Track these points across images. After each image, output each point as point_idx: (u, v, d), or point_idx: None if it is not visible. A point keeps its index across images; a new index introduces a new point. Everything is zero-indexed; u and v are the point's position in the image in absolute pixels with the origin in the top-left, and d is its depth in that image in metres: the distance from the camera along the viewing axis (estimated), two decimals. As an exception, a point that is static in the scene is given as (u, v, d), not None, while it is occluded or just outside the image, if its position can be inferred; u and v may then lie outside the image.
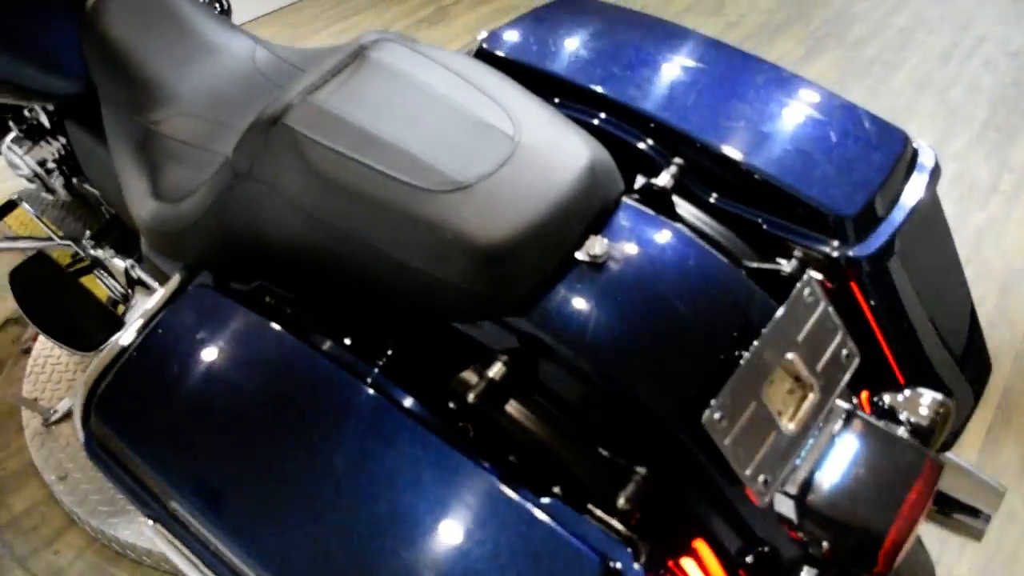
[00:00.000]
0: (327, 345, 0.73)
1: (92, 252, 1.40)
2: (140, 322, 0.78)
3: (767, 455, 0.64)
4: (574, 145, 0.74)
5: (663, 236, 0.72)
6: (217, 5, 1.36)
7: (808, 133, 0.82)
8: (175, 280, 0.82)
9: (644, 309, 0.68)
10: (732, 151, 0.81)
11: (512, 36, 0.97)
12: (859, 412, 0.71)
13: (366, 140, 0.72)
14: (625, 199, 0.76)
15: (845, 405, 0.71)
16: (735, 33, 2.70)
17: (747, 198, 0.81)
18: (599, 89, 0.88)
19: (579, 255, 0.69)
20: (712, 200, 0.83)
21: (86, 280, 1.47)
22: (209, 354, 0.73)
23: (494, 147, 0.72)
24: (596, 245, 0.69)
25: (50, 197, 1.40)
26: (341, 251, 0.73)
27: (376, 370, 0.71)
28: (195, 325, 0.76)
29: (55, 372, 1.71)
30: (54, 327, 1.40)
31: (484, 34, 0.97)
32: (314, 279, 0.78)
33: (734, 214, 0.81)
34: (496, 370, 0.69)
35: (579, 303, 0.68)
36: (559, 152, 0.73)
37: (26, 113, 1.29)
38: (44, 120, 1.28)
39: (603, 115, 0.88)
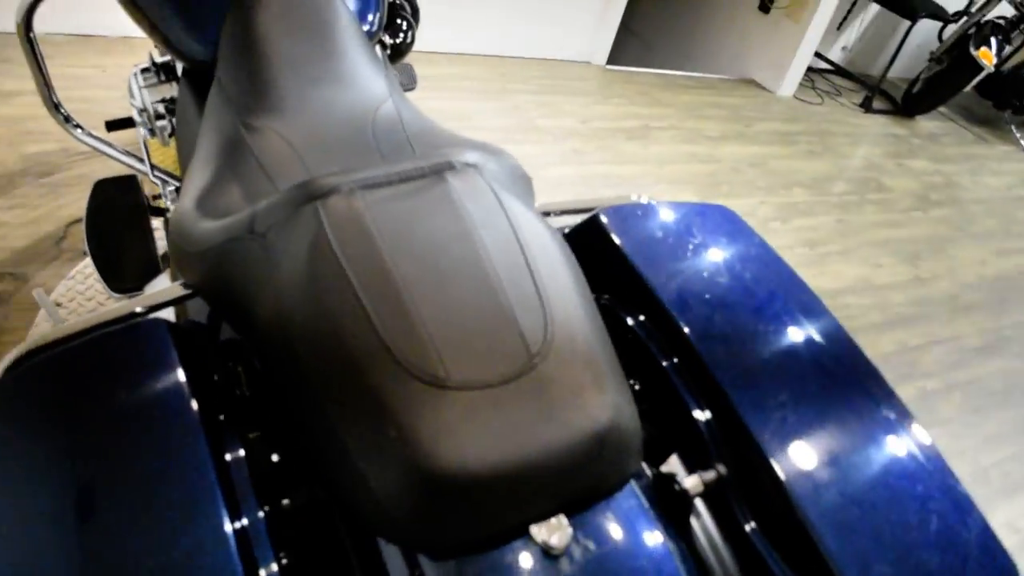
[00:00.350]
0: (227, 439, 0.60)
1: (168, 203, 1.35)
2: (83, 325, 0.69)
3: None
4: (598, 400, 0.57)
5: (648, 551, 0.55)
6: (383, 43, 1.30)
7: (902, 511, 0.63)
8: (137, 303, 0.72)
9: None
10: (797, 487, 0.62)
11: (633, 221, 0.83)
12: None
13: (378, 275, 0.59)
14: (632, 484, 0.59)
15: None
16: (917, 292, 2.47)
17: (789, 553, 0.63)
18: (684, 328, 0.72)
19: (534, 530, 0.54)
20: (747, 529, 0.65)
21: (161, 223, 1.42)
22: (100, 390, 0.62)
23: (507, 357, 0.57)
24: (558, 533, 0.53)
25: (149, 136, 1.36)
26: (292, 372, 0.60)
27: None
28: (116, 354, 0.65)
29: (89, 290, 1.67)
30: (101, 252, 1.36)
31: (635, 196, 0.85)
32: (265, 373, 0.66)
33: (759, 557, 0.63)
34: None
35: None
36: (575, 400, 0.57)
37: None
38: (178, 67, 1.23)
39: (675, 359, 0.72)
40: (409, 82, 1.61)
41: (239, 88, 0.94)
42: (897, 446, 0.66)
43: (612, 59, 3.51)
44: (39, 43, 1.29)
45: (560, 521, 0.53)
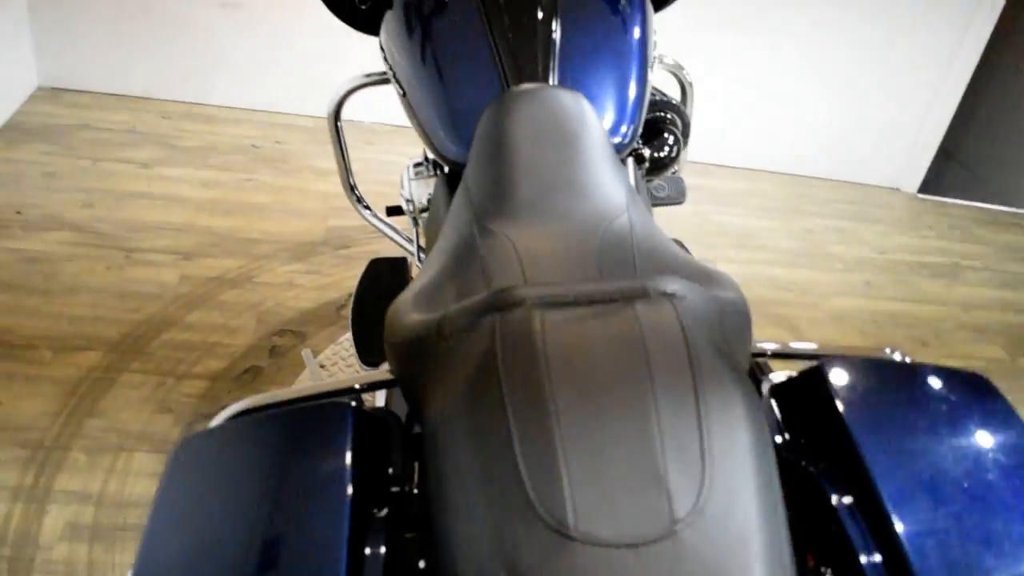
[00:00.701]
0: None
1: None
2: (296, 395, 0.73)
3: None
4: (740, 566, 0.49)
5: None
6: (641, 155, 1.27)
7: None
8: (355, 380, 0.76)
9: None
10: None
11: (864, 381, 0.72)
12: None
13: (532, 404, 0.56)
14: None
15: None
16: None
17: None
18: (897, 526, 0.60)
19: None
20: None
21: None
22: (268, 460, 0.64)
23: (645, 519, 0.51)
24: None
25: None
26: (434, 479, 0.59)
27: None
28: (301, 429, 0.67)
29: (350, 357, 1.79)
30: (360, 323, 1.45)
31: (889, 351, 0.76)
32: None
33: None
34: None
35: None
36: (714, 570, 0.49)
37: None
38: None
39: (878, 557, 0.60)
40: (677, 195, 1.58)
41: (481, 191, 0.96)
42: None
43: (927, 187, 3.22)
44: (365, 129, 1.42)
45: None
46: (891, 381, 0.74)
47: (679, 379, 0.58)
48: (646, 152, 1.33)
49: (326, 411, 0.69)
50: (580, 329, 0.61)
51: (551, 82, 1.06)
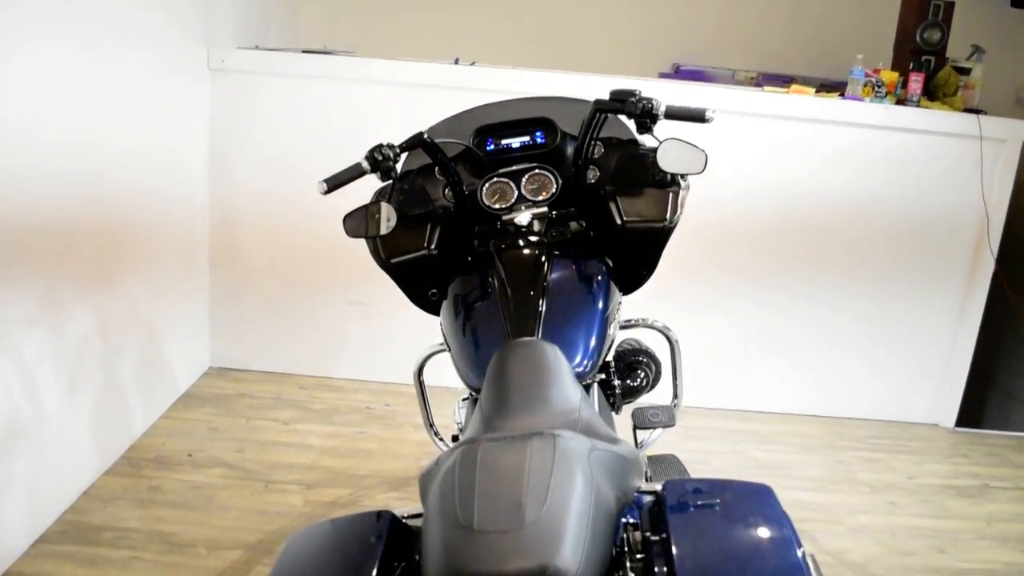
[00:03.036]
0: None
1: None
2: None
3: None
4: (541, 550, 0.94)
5: None
6: (609, 383, 1.78)
7: None
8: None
9: None
10: None
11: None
12: None
13: (468, 480, 1.07)
14: None
15: None
16: None
17: None
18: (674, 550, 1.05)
19: None
20: None
21: None
22: None
23: (510, 520, 1.00)
24: None
25: None
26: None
27: None
28: (352, 533, 1.19)
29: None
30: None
31: None
32: None
33: None
34: None
35: None
36: (530, 549, 0.96)
37: None
38: None
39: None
40: (668, 419, 1.97)
41: (486, 409, 1.49)
42: None
43: (967, 421, 3.51)
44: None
45: None
46: (705, 494, 1.21)
47: (542, 471, 1.09)
48: (616, 381, 1.84)
49: (370, 519, 1.20)
50: (501, 448, 1.14)
51: (537, 336, 1.57)
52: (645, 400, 1.90)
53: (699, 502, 1.17)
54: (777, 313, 3.40)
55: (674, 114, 1.62)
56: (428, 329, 1.90)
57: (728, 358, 3.43)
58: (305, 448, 2.88)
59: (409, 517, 1.29)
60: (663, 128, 1.63)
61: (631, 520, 1.22)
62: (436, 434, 2.08)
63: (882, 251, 3.35)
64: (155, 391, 3.05)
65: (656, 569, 1.05)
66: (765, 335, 3.43)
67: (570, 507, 1.02)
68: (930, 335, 3.43)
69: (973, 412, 3.63)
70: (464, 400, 1.94)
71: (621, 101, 1.64)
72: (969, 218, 3.30)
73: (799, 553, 1.05)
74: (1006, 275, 3.40)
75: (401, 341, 2.91)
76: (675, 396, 1.99)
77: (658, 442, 1.97)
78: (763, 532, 1.09)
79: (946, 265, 3.37)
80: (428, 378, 1.99)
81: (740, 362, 3.45)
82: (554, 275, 1.66)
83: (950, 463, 3.16)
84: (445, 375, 1.90)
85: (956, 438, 3.38)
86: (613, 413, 1.83)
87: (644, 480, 1.35)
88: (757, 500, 1.17)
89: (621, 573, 1.09)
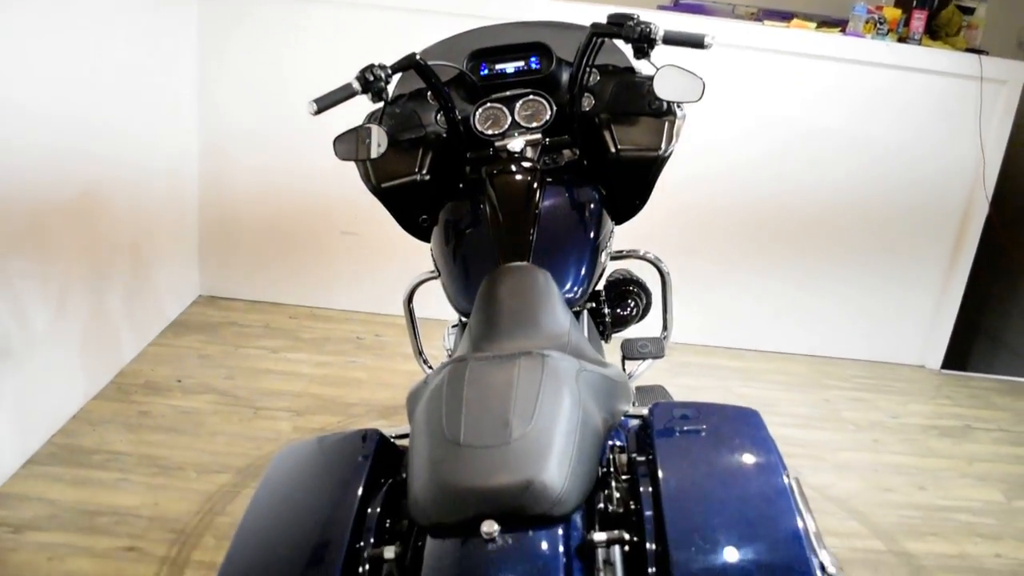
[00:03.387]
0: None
1: None
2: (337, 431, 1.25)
3: None
4: (531, 470, 0.94)
5: (520, 554, 0.92)
6: (598, 310, 1.78)
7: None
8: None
9: None
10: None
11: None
12: None
13: (456, 393, 1.07)
14: (560, 529, 0.95)
15: None
16: None
17: None
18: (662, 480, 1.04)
19: (484, 525, 0.93)
20: None
21: None
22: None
23: (495, 438, 1.00)
24: (487, 526, 0.92)
25: None
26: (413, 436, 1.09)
27: None
28: (342, 449, 1.19)
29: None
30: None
31: None
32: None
33: None
34: (392, 550, 0.98)
35: (452, 549, 0.93)
36: (519, 464, 0.96)
37: None
38: None
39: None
40: (657, 351, 2.00)
41: (475, 331, 1.49)
42: None
43: (960, 364, 3.54)
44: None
45: (490, 521, 0.92)
46: (692, 417, 1.21)
47: (530, 387, 1.09)
48: (606, 310, 1.84)
49: (359, 436, 1.21)
50: (490, 367, 1.14)
51: (528, 261, 1.56)
52: (634, 331, 1.91)
53: (685, 425, 1.17)
54: (768, 252, 3.40)
55: (672, 39, 1.58)
56: (419, 260, 1.89)
57: (718, 296, 3.43)
58: (295, 376, 2.89)
59: (397, 437, 1.30)
60: (661, 56, 1.59)
61: (617, 443, 1.23)
62: (425, 362, 2.09)
63: (877, 191, 3.33)
64: (144, 318, 3.04)
65: (641, 489, 1.06)
66: (756, 273, 3.43)
67: (557, 425, 1.02)
68: (921, 277, 3.43)
69: (959, 355, 3.65)
70: (453, 327, 1.94)
71: (619, 25, 1.60)
72: (965, 159, 3.28)
73: (784, 476, 1.06)
74: (1000, 219, 3.40)
75: (392, 272, 2.91)
76: (664, 328, 1.99)
77: (646, 374, 1.99)
78: (749, 455, 1.10)
79: (940, 206, 3.35)
80: (418, 309, 1.98)
81: (729, 300, 3.45)
82: (546, 202, 1.64)
83: (934, 404, 3.20)
84: (435, 307, 1.90)
85: (941, 380, 3.41)
86: (603, 342, 1.83)
87: (631, 406, 1.35)
88: (744, 423, 1.18)
89: (606, 493, 1.10)
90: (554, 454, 0.98)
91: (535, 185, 1.64)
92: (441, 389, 1.10)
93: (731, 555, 0.92)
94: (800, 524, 0.97)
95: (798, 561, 0.92)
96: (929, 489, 2.59)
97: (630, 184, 1.72)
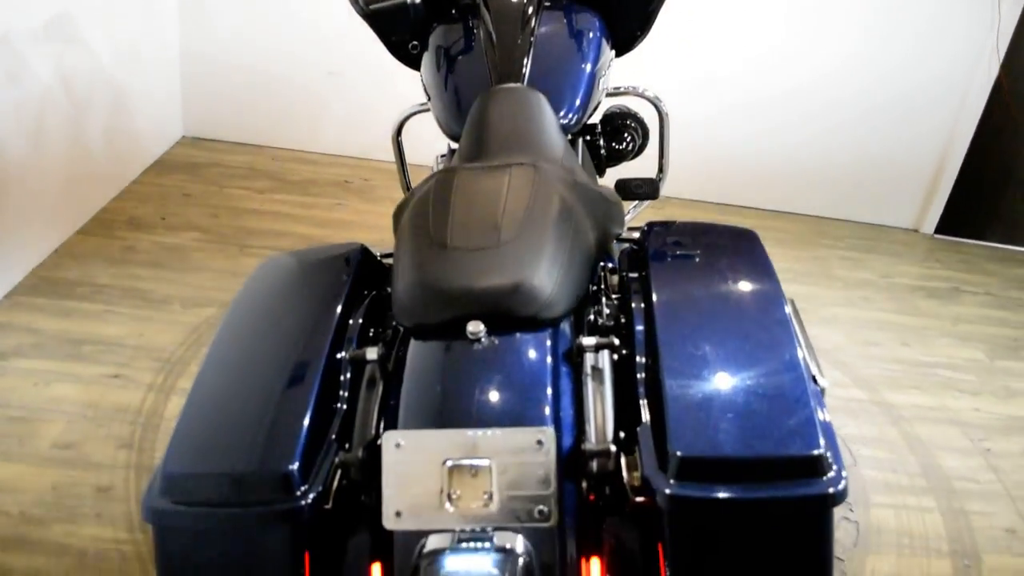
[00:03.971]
0: None
1: None
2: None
3: (414, 504, 0.78)
4: (519, 271, 0.92)
5: (507, 354, 0.89)
6: (594, 142, 1.72)
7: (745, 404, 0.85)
8: None
9: (451, 376, 0.87)
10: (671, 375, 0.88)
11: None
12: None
13: (442, 200, 1.03)
14: (547, 332, 0.92)
15: (505, 544, 0.78)
16: None
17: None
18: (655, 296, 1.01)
19: (469, 325, 0.90)
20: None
21: None
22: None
23: (484, 241, 0.96)
24: (473, 326, 0.89)
25: None
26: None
27: None
28: (325, 261, 1.16)
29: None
30: None
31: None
32: None
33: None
34: (374, 351, 0.96)
35: (436, 349, 0.90)
36: (508, 266, 0.93)
37: None
38: None
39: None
40: (651, 192, 1.96)
41: (465, 149, 1.44)
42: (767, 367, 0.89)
43: (947, 229, 3.51)
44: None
45: (476, 322, 0.89)
46: (687, 235, 1.17)
47: (521, 193, 1.04)
48: (601, 141, 1.78)
49: (345, 249, 1.16)
50: (479, 175, 1.09)
51: (523, 83, 1.52)
52: (630, 171, 1.85)
53: (681, 242, 1.14)
54: (768, 109, 3.30)
55: None
56: (408, 102, 1.81)
57: (715, 150, 3.35)
58: (281, 216, 2.84)
59: (384, 256, 1.26)
60: None
61: (610, 265, 1.20)
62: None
63: (883, 49, 3.20)
64: (126, 156, 2.95)
65: (633, 305, 1.03)
66: (755, 129, 3.34)
67: (548, 231, 0.98)
68: (922, 141, 3.35)
69: (954, 221, 3.61)
70: (443, 156, 1.88)
71: None
72: (980, 14, 3.14)
73: (781, 294, 1.03)
74: (1010, 83, 3.28)
75: (380, 115, 2.81)
76: (660, 170, 1.94)
77: (638, 218, 1.94)
78: (746, 274, 1.07)
79: (947, 68, 3.23)
80: (408, 153, 1.91)
81: (727, 155, 3.38)
82: (544, 25, 1.56)
83: (924, 266, 3.18)
84: (425, 152, 1.84)
85: (934, 244, 3.39)
86: (597, 176, 1.78)
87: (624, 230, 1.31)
88: (741, 243, 1.14)
89: (596, 308, 1.07)
90: (544, 258, 0.95)
91: (532, 7, 1.55)
92: (428, 196, 1.05)
93: (724, 363, 0.90)
94: (796, 346, 0.94)
95: (793, 382, 0.89)
96: (913, 345, 2.61)
97: (632, 12, 1.65)
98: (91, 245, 2.54)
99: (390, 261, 1.18)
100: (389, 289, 1.07)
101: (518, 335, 0.91)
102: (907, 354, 2.56)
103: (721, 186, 3.43)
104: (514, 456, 0.78)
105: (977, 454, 2.16)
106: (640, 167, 1.86)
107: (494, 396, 0.86)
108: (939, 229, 3.48)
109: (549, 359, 0.90)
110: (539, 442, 0.78)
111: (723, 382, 0.87)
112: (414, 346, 0.93)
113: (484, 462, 0.78)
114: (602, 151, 1.78)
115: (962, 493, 2.01)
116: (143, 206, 2.79)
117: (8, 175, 2.27)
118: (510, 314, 0.91)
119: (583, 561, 0.84)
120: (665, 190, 1.92)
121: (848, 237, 3.31)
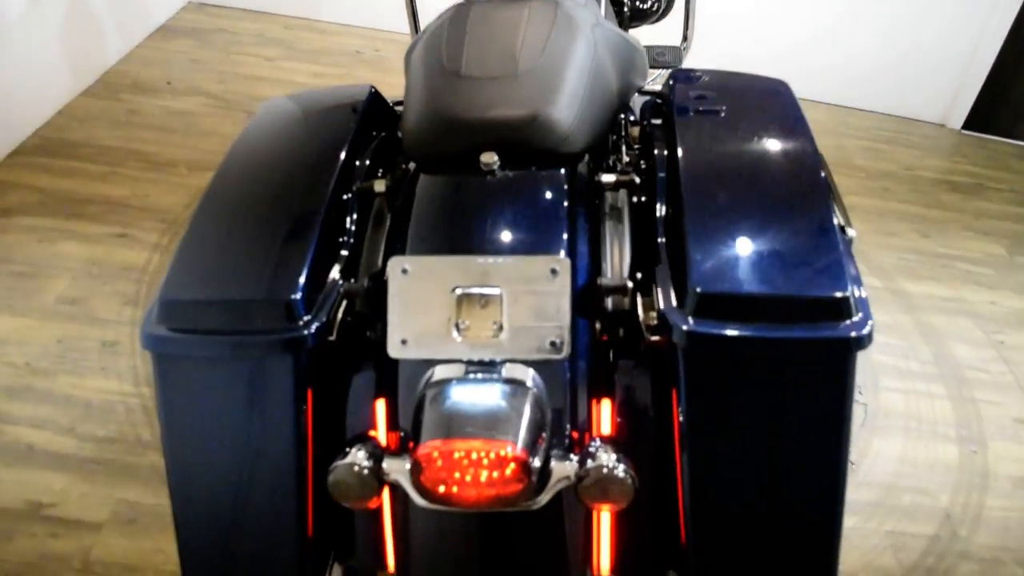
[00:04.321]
0: None
1: None
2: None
3: (420, 333, 0.75)
4: (539, 99, 0.87)
5: (522, 187, 0.84)
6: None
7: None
8: None
9: (462, 205, 0.83)
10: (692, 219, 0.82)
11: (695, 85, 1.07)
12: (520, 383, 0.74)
13: (459, 29, 0.97)
14: (563, 171, 0.87)
15: (515, 375, 0.75)
16: None
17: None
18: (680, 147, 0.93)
19: (483, 156, 0.85)
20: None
21: None
22: None
23: (500, 70, 0.90)
24: (487, 156, 0.84)
25: None
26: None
27: None
28: (322, 101, 1.10)
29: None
30: None
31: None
32: None
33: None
34: (382, 184, 0.92)
35: (447, 180, 0.86)
36: (527, 94, 0.87)
37: None
38: None
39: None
40: (675, 60, 1.88)
41: None
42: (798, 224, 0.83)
43: (974, 125, 3.39)
44: None
45: (490, 153, 0.84)
46: (715, 84, 1.10)
47: (541, 26, 0.97)
48: (629, 2, 1.69)
49: (355, 90, 1.10)
50: (496, 7, 1.02)
51: None
52: (653, 38, 1.77)
53: (708, 91, 1.07)
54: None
55: None
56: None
57: (742, 30, 3.22)
58: (290, 84, 2.75)
59: (396, 104, 1.21)
60: None
61: (632, 117, 1.14)
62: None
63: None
64: (130, 19, 2.85)
65: (656, 152, 0.97)
66: (782, 8, 3.20)
67: (568, 63, 0.92)
68: (954, 29, 3.20)
69: (982, 117, 3.49)
70: None
71: None
72: None
73: (813, 143, 0.97)
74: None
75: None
76: (684, 39, 1.85)
77: (659, 88, 1.87)
78: (776, 122, 1.01)
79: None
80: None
81: (753, 35, 3.24)
82: None
83: (950, 161, 3.10)
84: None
85: (961, 139, 3.29)
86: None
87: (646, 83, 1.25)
88: (772, 93, 1.08)
89: (616, 157, 1.02)
90: (564, 90, 0.89)
91: None
92: (443, 28, 0.99)
93: (749, 207, 0.85)
94: (826, 193, 0.89)
95: (821, 226, 0.83)
96: (932, 237, 2.56)
97: None
98: (95, 107, 2.47)
99: (402, 109, 1.12)
100: (399, 133, 1.02)
101: (534, 169, 0.87)
102: (926, 245, 2.51)
103: (743, 66, 3.30)
104: (527, 285, 0.75)
105: (990, 346, 2.13)
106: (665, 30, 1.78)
107: (507, 225, 0.82)
108: (967, 125, 3.37)
109: (566, 196, 0.85)
110: (553, 271, 0.74)
111: (748, 224, 0.82)
112: (424, 179, 0.89)
113: (495, 290, 0.74)
114: (625, 7, 1.70)
115: (973, 382, 2.00)
116: (148, 70, 2.71)
117: (10, 34, 2.19)
118: (526, 146, 0.86)
119: (594, 403, 0.82)
120: (687, 62, 1.84)
121: (873, 128, 3.21)
